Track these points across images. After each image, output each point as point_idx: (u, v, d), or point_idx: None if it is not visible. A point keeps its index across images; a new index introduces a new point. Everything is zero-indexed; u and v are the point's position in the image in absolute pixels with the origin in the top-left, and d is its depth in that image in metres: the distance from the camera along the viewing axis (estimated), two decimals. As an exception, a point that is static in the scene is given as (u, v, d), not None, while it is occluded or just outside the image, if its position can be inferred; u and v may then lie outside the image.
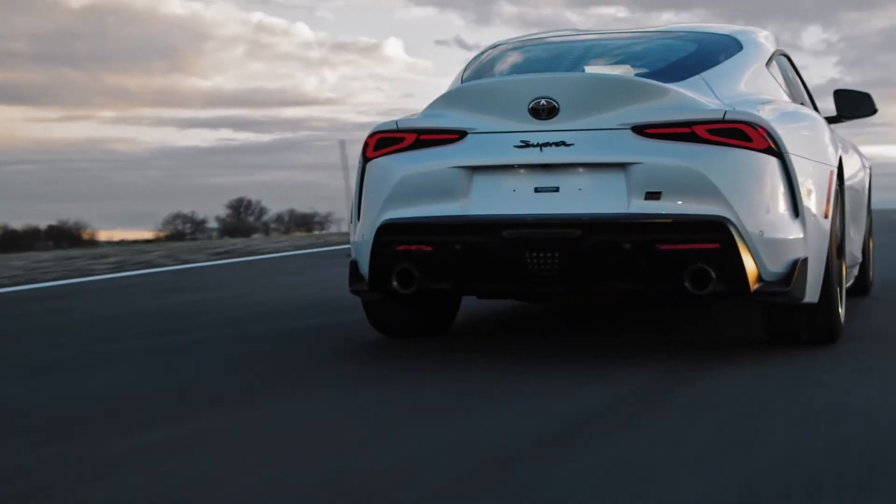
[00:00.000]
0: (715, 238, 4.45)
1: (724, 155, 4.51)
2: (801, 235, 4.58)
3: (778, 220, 4.53)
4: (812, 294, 4.67)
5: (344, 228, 26.56)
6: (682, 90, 4.72)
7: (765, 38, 5.64)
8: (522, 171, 4.69)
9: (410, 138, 4.88)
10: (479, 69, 5.51)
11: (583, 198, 4.61)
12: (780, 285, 4.54)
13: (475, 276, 4.77)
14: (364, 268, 4.96)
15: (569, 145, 4.60)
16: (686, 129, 4.55)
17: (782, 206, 4.56)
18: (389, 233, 4.80)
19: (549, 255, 4.57)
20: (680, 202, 4.50)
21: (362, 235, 4.95)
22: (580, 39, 5.79)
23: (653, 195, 4.52)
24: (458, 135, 4.78)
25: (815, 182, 4.69)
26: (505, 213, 4.66)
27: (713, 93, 4.88)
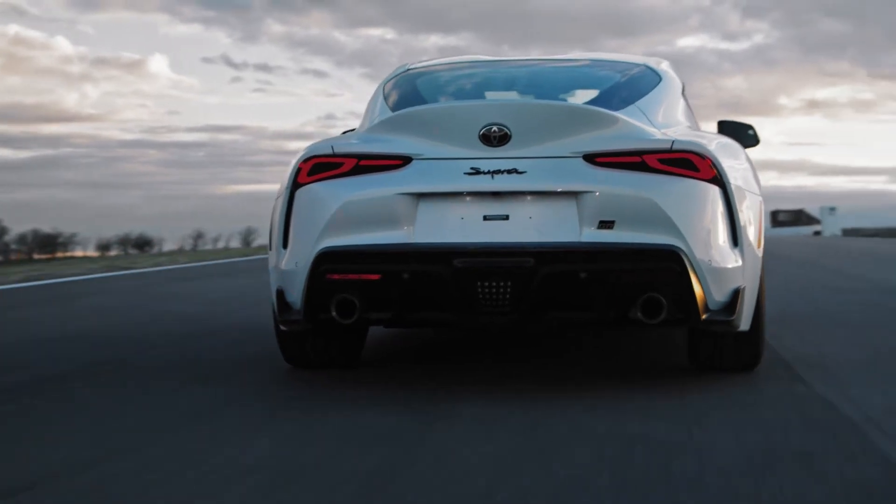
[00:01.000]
0: (668, 267, 4.47)
1: (674, 184, 4.55)
2: (741, 264, 4.66)
3: (722, 250, 4.60)
4: (746, 322, 4.77)
5: (91, 251, 25.50)
6: (629, 119, 4.75)
7: (672, 69, 5.75)
8: (470, 198, 4.61)
9: (350, 163, 4.72)
10: (406, 94, 5.39)
11: (534, 226, 4.56)
12: (724, 314, 4.60)
13: (422, 305, 4.65)
14: (294, 297, 4.77)
15: (521, 173, 4.55)
16: (637, 159, 4.57)
17: (725, 235, 4.63)
18: (329, 261, 4.63)
19: (501, 284, 4.50)
20: (633, 231, 4.51)
21: (295, 264, 4.75)
22: (506, 67, 5.75)
23: (606, 224, 4.51)
24: (402, 161, 4.66)
25: (751, 212, 4.79)
26: (454, 242, 4.56)
27: (650, 122, 4.93)
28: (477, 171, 4.56)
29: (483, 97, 5.23)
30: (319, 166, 4.76)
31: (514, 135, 4.56)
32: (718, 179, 4.61)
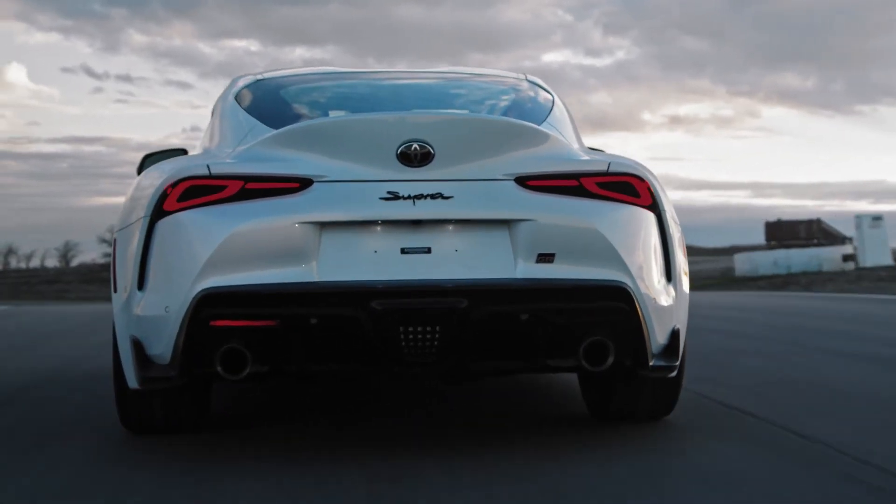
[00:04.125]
0: (615, 306, 3.91)
1: (615, 212, 4.00)
2: (676, 301, 4.16)
3: (661, 285, 4.09)
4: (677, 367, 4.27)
5: None
6: (559, 136, 4.17)
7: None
8: (383, 228, 3.89)
9: (234, 186, 3.89)
10: (279, 107, 4.56)
11: (460, 261, 3.90)
12: (667, 358, 4.09)
13: (330, 356, 3.89)
14: (161, 349, 3.90)
15: (446, 198, 3.88)
16: (574, 182, 3.99)
17: (662, 268, 4.13)
18: (213, 304, 3.80)
19: (428, 329, 3.81)
20: (575, 265, 3.93)
21: (164, 309, 3.88)
22: (379, 80, 5.02)
23: (545, 257, 3.91)
24: (301, 183, 3.89)
25: (680, 242, 4.30)
26: (369, 280, 3.83)
27: (569, 141, 4.37)
28: (395, 196, 3.86)
29: (384, 111, 4.48)
30: (194, 190, 3.91)
31: (437, 153, 3.89)
32: (656, 206, 4.10)
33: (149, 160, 5.35)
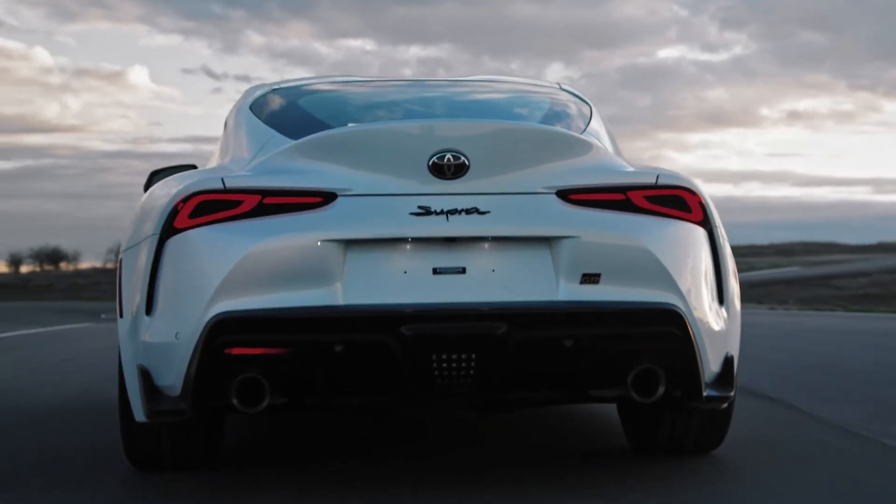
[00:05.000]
0: (668, 332, 3.59)
1: (665, 228, 3.68)
2: (728, 326, 3.83)
3: (713, 309, 3.77)
4: None
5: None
6: (602, 146, 3.85)
7: None
8: (414, 246, 3.57)
9: (251, 201, 3.58)
10: (299, 116, 4.23)
11: (498, 281, 3.58)
12: (722, 388, 3.76)
13: (357, 386, 3.57)
14: (172, 379, 3.58)
15: (482, 213, 3.56)
16: (620, 196, 3.67)
17: (714, 290, 3.80)
18: (229, 331, 3.47)
19: (464, 357, 3.48)
20: (623, 286, 3.60)
21: (175, 335, 3.56)
22: (408, 87, 4.69)
23: (590, 277, 3.58)
24: (324, 197, 3.57)
25: (731, 263, 3.97)
26: (398, 303, 3.51)
27: (612, 152, 4.05)
28: (427, 211, 3.54)
29: (413, 119, 4.15)
30: (207, 205, 3.60)
31: (472, 164, 3.57)
32: (707, 221, 3.79)
33: (156, 177, 5.04)
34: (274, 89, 4.54)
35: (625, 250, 3.61)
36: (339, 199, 3.56)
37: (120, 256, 3.91)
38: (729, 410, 4.11)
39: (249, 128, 4.21)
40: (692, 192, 3.75)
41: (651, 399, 3.61)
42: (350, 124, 3.99)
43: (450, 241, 3.57)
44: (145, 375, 3.65)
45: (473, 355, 3.48)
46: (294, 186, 3.58)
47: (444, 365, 3.48)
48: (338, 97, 4.50)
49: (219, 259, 3.52)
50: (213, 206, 3.59)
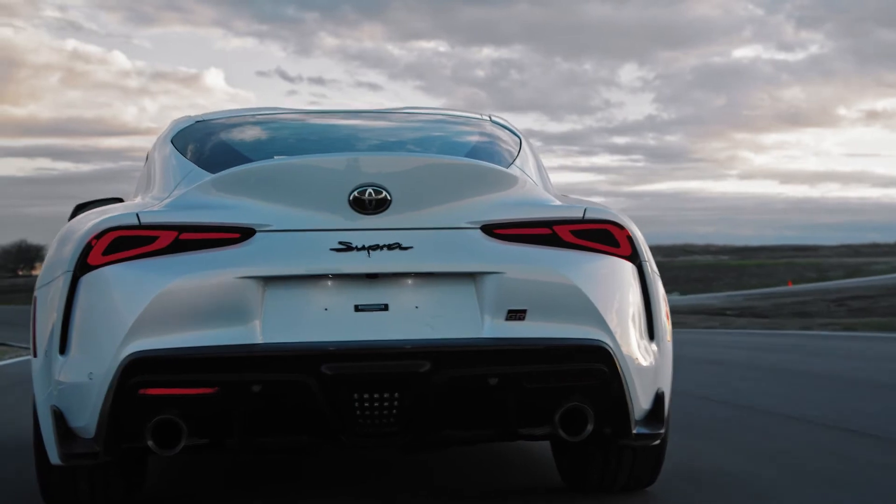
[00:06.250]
0: (594, 368, 3.52)
1: (593, 263, 3.62)
2: (658, 362, 3.77)
3: (643, 344, 3.71)
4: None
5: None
6: (528, 179, 3.79)
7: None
8: (335, 282, 3.49)
9: (167, 238, 3.48)
10: (218, 150, 4.13)
11: (421, 319, 3.50)
12: (652, 425, 3.70)
13: (276, 427, 3.48)
14: (84, 421, 3.47)
15: (405, 249, 3.48)
16: (546, 230, 3.61)
17: (643, 326, 3.74)
18: (143, 370, 3.37)
19: (387, 396, 3.40)
20: (548, 322, 3.54)
21: (88, 375, 3.45)
22: (329, 120, 4.60)
23: (516, 314, 3.51)
24: (242, 233, 3.49)
25: (662, 296, 3.91)
26: (319, 341, 3.42)
27: (539, 185, 3.98)
28: (348, 247, 3.46)
29: (335, 153, 4.06)
30: (121, 242, 3.50)
31: (394, 199, 3.50)
32: (636, 256, 3.73)
33: (80, 211, 4.92)
34: (197, 121, 4.44)
35: (551, 286, 3.54)
36: (257, 235, 3.47)
37: (35, 293, 3.79)
38: (662, 447, 4.04)
39: (169, 161, 4.12)
40: (620, 227, 3.69)
41: (579, 437, 3.54)
42: (270, 158, 3.90)
43: (372, 277, 3.49)
44: (59, 417, 3.53)
45: (397, 394, 3.40)
46: (211, 222, 3.49)
47: (367, 405, 3.40)
48: (260, 130, 4.41)
49: (133, 297, 3.43)
50: (127, 242, 3.49)
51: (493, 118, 4.68)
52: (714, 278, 78.43)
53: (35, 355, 3.69)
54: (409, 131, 4.49)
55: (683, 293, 58.72)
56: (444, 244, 3.51)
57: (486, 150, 4.18)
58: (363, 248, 3.46)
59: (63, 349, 3.53)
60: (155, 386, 3.39)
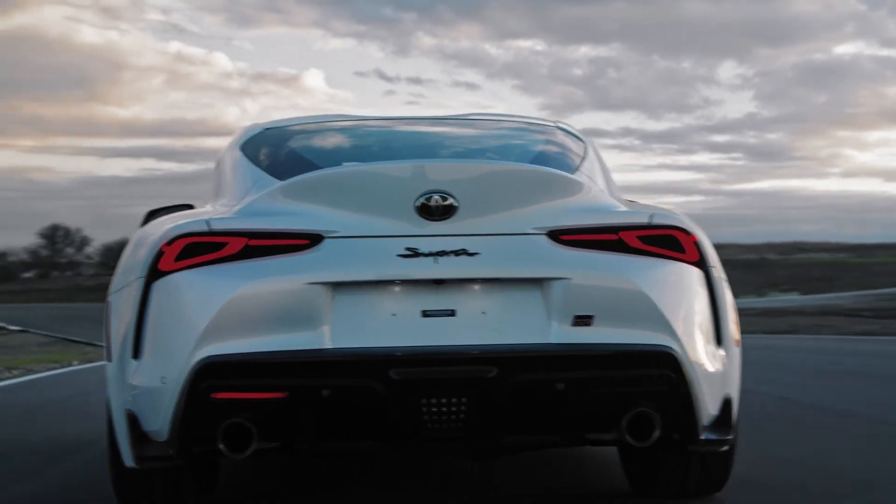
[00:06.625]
0: (661, 374, 3.52)
1: (659, 269, 3.62)
2: (726, 368, 3.76)
3: (710, 350, 3.70)
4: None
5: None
6: (594, 186, 3.80)
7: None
8: (402, 288, 3.52)
9: (237, 244, 3.53)
10: (287, 157, 4.19)
11: (488, 324, 3.52)
12: (720, 431, 3.69)
13: (344, 431, 3.52)
14: (158, 424, 3.52)
15: (471, 255, 3.50)
16: (613, 236, 3.61)
17: (711, 331, 3.73)
18: (215, 375, 3.43)
19: (454, 401, 3.43)
20: (615, 328, 3.54)
21: (160, 380, 3.51)
22: (397, 127, 4.64)
23: (582, 320, 3.52)
24: (310, 239, 3.53)
25: (730, 302, 3.90)
26: (387, 346, 3.45)
27: (604, 191, 3.99)
28: (415, 253, 3.48)
29: (402, 160, 4.09)
30: (192, 248, 3.55)
31: (460, 205, 3.52)
32: (703, 262, 3.72)
33: (152, 217, 4.99)
34: (265, 129, 4.50)
35: (618, 292, 3.55)
36: (325, 241, 3.51)
37: (109, 299, 3.86)
38: (730, 453, 4.03)
39: (238, 169, 4.18)
40: (686, 233, 3.69)
41: (646, 443, 3.55)
42: (338, 165, 3.95)
43: (439, 283, 3.52)
44: (133, 420, 3.60)
45: (464, 399, 3.43)
46: (280, 228, 3.54)
47: (434, 409, 3.43)
48: (328, 137, 4.46)
49: (204, 302, 3.48)
50: (198, 248, 3.54)
51: (560, 124, 4.69)
52: (835, 277, 72.72)
53: (109, 360, 3.76)
54: (475, 138, 4.52)
55: (804, 292, 56.66)
56: (511, 250, 3.53)
57: (553, 156, 4.20)
58: (430, 254, 3.48)
59: (136, 354, 3.60)
60: (226, 390, 3.44)
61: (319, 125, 4.57)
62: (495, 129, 4.63)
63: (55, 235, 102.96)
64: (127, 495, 3.98)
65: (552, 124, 4.69)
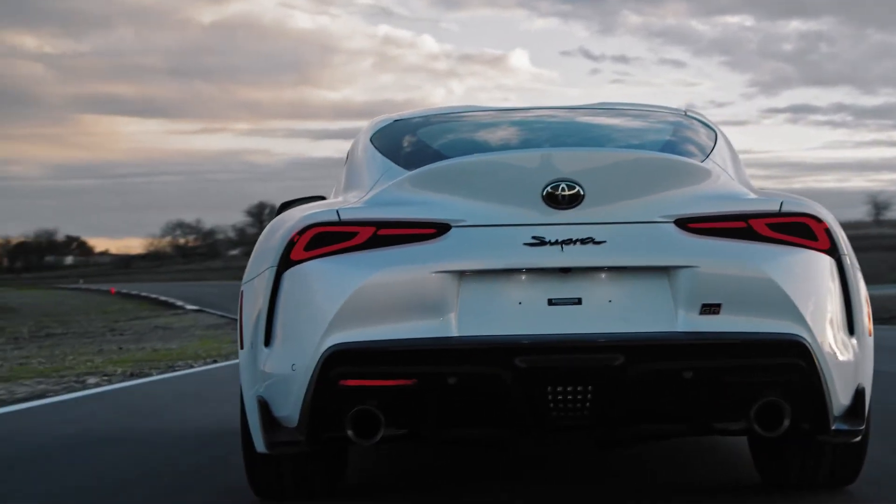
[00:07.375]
0: (793, 363, 3.47)
1: (789, 257, 3.57)
2: (858, 358, 3.69)
3: (842, 339, 3.63)
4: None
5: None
6: (722, 173, 3.76)
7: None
8: (529, 277, 3.53)
9: (365, 233, 3.58)
10: (416, 147, 4.24)
11: (614, 312, 3.51)
12: (852, 422, 3.63)
13: (470, 419, 3.55)
14: (288, 410, 3.60)
15: (598, 243, 3.50)
16: (741, 224, 3.58)
17: (843, 321, 3.66)
18: (343, 362, 3.48)
19: (580, 389, 3.43)
20: (744, 316, 3.50)
21: (291, 366, 3.58)
22: (525, 116, 4.65)
23: (710, 308, 3.49)
24: (438, 228, 3.56)
25: (863, 290, 3.82)
26: (513, 334, 3.47)
27: (733, 179, 3.95)
28: (541, 242, 3.49)
29: (528, 149, 4.11)
30: (322, 238, 3.62)
31: (587, 193, 3.52)
32: (835, 249, 3.65)
33: (285, 209, 5.10)
34: (396, 120, 4.56)
35: (746, 280, 3.51)
36: (452, 230, 3.55)
37: (241, 288, 3.95)
38: (863, 444, 3.95)
39: (368, 159, 4.24)
40: (818, 220, 3.63)
41: (776, 433, 3.50)
42: (464, 155, 3.98)
43: (565, 272, 3.52)
44: (264, 406, 3.68)
45: (590, 388, 3.43)
46: (408, 218, 3.58)
47: (560, 398, 3.43)
48: (455, 128, 4.49)
49: (334, 290, 3.54)
50: (328, 238, 3.61)
51: (689, 112, 4.65)
52: None
53: (242, 347, 3.85)
54: (603, 126, 4.50)
55: None
56: (638, 238, 3.52)
57: (681, 144, 4.17)
58: (556, 242, 3.49)
59: (268, 341, 3.68)
60: (355, 377, 3.49)
61: (447, 116, 4.61)
62: (623, 118, 4.61)
63: (262, 213, 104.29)
64: (259, 481, 4.07)
65: (682, 112, 4.65)
